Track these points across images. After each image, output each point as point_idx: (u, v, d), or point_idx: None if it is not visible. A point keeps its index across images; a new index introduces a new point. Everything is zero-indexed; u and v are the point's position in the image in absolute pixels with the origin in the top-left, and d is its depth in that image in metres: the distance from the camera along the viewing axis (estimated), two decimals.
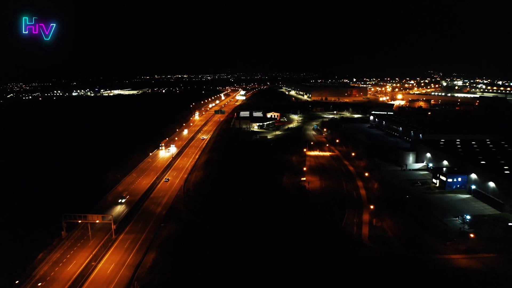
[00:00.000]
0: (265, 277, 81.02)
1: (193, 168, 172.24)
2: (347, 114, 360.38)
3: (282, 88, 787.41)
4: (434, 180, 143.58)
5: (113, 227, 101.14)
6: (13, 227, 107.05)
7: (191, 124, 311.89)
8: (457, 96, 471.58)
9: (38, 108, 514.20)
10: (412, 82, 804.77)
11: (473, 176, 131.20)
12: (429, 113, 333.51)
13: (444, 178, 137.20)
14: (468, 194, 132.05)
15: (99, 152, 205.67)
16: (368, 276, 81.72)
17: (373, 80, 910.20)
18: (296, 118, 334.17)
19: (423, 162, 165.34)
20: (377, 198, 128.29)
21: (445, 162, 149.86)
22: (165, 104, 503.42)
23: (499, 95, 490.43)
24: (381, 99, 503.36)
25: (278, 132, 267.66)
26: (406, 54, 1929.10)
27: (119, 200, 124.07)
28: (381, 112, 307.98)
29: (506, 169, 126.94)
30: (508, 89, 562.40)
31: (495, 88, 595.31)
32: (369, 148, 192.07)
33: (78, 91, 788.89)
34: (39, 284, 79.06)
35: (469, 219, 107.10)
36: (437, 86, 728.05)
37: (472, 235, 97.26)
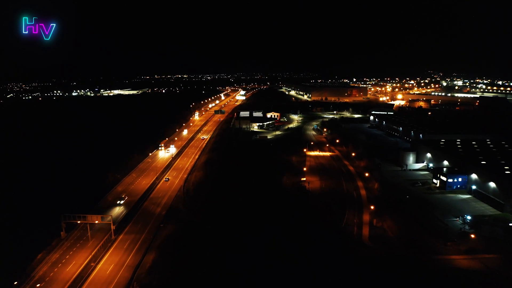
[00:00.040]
0: (265, 277, 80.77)
1: (193, 168, 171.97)
2: (347, 114, 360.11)
3: (282, 88, 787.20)
4: (434, 180, 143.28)
5: (113, 227, 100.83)
6: (13, 227, 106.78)
7: (191, 124, 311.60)
8: (457, 96, 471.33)
9: (38, 108, 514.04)
10: (412, 82, 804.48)
11: (474, 176, 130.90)
12: (429, 113, 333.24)
13: (444, 178, 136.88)
14: (468, 194, 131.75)
15: (99, 152, 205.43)
16: (368, 276, 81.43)
17: (373, 80, 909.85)
18: (296, 118, 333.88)
19: (423, 162, 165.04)
20: (377, 198, 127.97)
21: (446, 162, 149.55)
22: (165, 104, 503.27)
23: (499, 95, 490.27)
24: (381, 99, 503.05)
25: (278, 132, 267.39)
26: (406, 54, 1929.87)
27: (118, 202, 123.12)
28: (381, 112, 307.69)
29: (507, 169, 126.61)
30: (508, 89, 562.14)
31: (495, 88, 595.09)
32: (369, 148, 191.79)
33: (78, 91, 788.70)
34: (38, 285, 78.74)
35: (469, 220, 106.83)
36: (437, 86, 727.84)
37: (472, 236, 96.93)
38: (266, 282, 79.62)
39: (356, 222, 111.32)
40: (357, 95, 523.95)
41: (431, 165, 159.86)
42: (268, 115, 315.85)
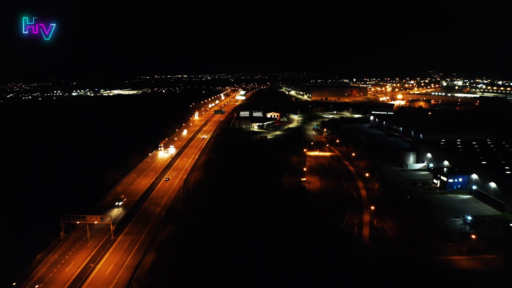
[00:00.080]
0: (265, 277, 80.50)
1: (193, 168, 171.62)
2: (347, 114, 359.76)
3: (282, 88, 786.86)
4: (434, 181, 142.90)
5: (112, 228, 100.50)
6: (12, 227, 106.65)
7: (191, 124, 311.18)
8: (457, 96, 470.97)
9: (38, 108, 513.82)
10: (412, 82, 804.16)
11: (474, 176, 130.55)
12: (429, 113, 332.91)
13: (444, 179, 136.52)
14: (469, 194, 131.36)
15: (98, 152, 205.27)
16: (368, 277, 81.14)
17: (373, 80, 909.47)
18: (296, 118, 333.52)
19: (423, 162, 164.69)
20: (377, 199, 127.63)
21: (446, 162, 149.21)
22: (165, 104, 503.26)
23: (499, 95, 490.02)
24: (381, 99, 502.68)
25: (278, 132, 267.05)
26: (406, 54, 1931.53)
27: (116, 203, 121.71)
28: (381, 112, 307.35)
29: (507, 170, 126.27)
30: (508, 89, 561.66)
31: (495, 88, 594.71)
32: (370, 148, 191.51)
33: (78, 91, 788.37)
34: (37, 286, 78.35)
35: (470, 220, 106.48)
36: (437, 86, 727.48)
37: (473, 236, 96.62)
38: (266, 282, 79.36)
39: (356, 222, 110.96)
40: (357, 95, 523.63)
41: (431, 165, 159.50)
42: (268, 115, 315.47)
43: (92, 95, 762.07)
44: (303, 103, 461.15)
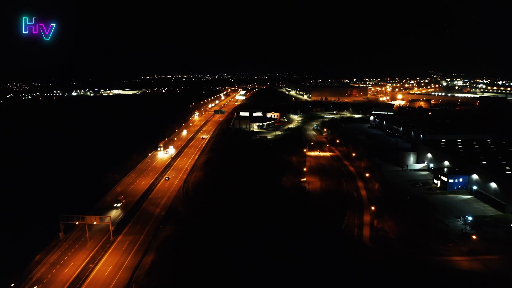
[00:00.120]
0: (265, 277, 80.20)
1: (193, 168, 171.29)
2: (347, 114, 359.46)
3: (282, 88, 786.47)
4: (435, 181, 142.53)
5: (111, 228, 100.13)
6: (11, 228, 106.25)
7: (191, 124, 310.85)
8: (457, 96, 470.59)
9: (38, 108, 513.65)
10: (412, 82, 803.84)
11: (475, 176, 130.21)
12: (430, 113, 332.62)
13: (445, 179, 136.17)
14: (469, 194, 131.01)
15: (98, 152, 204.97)
16: (369, 277, 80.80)
17: (373, 80, 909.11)
18: (296, 118, 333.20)
19: (424, 163, 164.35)
20: (378, 199, 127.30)
21: (446, 163, 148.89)
22: (165, 104, 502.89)
23: (500, 95, 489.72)
24: (381, 99, 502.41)
25: (278, 132, 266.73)
26: (406, 54, 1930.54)
27: (114, 205, 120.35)
28: (381, 112, 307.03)
29: (508, 170, 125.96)
30: (508, 89, 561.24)
31: (495, 88, 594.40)
32: (370, 148, 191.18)
33: (78, 91, 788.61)
34: (36, 287, 78.01)
35: (470, 220, 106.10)
36: (437, 86, 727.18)
37: (474, 237, 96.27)
38: (266, 282, 79.06)
39: (356, 223, 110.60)
40: (357, 95, 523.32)
41: (431, 165, 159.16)
42: (268, 115, 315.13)
43: (92, 95, 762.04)
44: (303, 103, 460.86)
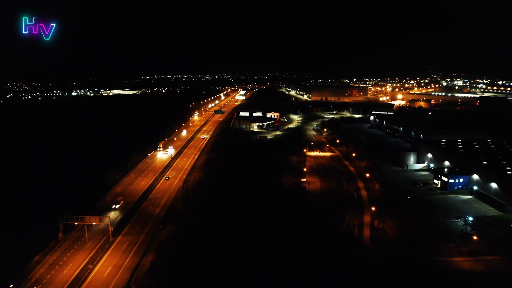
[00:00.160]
0: (265, 278, 79.93)
1: (192, 168, 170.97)
2: (347, 114, 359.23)
3: (282, 88, 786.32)
4: (435, 181, 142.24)
5: (111, 229, 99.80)
6: (10, 228, 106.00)
7: (190, 124, 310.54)
8: (458, 96, 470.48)
9: (38, 108, 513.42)
10: (412, 82, 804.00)
11: (475, 176, 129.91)
12: (430, 113, 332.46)
13: (445, 179, 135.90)
14: (470, 195, 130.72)
15: (98, 152, 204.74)
16: (369, 277, 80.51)
17: (373, 80, 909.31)
18: (296, 118, 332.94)
19: (424, 163, 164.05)
20: (378, 199, 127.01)
21: (447, 163, 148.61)
22: (164, 104, 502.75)
23: (500, 95, 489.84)
24: (381, 99, 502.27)
25: (278, 132, 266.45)
26: (406, 54, 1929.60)
27: (113, 206, 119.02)
28: (381, 112, 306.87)
29: (508, 170, 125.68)
30: (509, 89, 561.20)
31: (495, 88, 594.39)
32: (370, 148, 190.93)
33: (78, 91, 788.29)
34: (35, 287, 77.68)
35: (471, 221, 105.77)
36: (437, 86, 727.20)
37: (474, 237, 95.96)
38: (266, 282, 78.80)
39: (357, 223, 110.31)
40: (357, 95, 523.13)
41: (432, 165, 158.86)
42: (268, 115, 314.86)
43: (92, 95, 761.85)
44: (303, 103, 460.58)
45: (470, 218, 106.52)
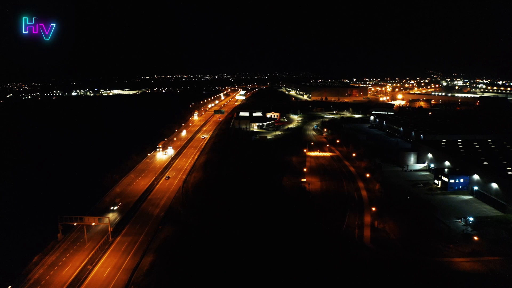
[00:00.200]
0: (265, 279, 79.49)
1: (192, 168, 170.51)
2: (347, 114, 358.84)
3: (282, 88, 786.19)
4: (435, 181, 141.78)
5: (110, 229, 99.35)
6: (9, 228, 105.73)
7: (190, 124, 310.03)
8: (458, 96, 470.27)
9: (38, 108, 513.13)
10: (412, 82, 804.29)
11: (476, 177, 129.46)
12: (430, 113, 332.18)
13: (446, 179, 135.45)
14: (470, 195, 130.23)
15: (97, 152, 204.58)
16: (370, 278, 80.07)
17: (373, 80, 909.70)
18: (296, 118, 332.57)
19: (424, 163, 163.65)
20: (378, 200, 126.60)
21: (447, 163, 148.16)
22: (164, 104, 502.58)
23: (500, 95, 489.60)
24: (381, 99, 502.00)
25: (278, 132, 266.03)
26: (406, 54, 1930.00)
27: (111, 207, 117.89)
28: (381, 112, 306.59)
29: (509, 170, 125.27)
30: (509, 89, 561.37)
31: (495, 88, 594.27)
32: (370, 148, 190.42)
33: (78, 91, 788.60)
34: None
35: (472, 221, 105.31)
36: (437, 86, 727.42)
37: (475, 238, 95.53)
38: (266, 283, 78.38)
39: (357, 223, 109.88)
40: (357, 95, 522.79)
41: (432, 165, 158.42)
42: (268, 115, 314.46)
43: (91, 95, 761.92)
44: (303, 103, 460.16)
45: (471, 219, 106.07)
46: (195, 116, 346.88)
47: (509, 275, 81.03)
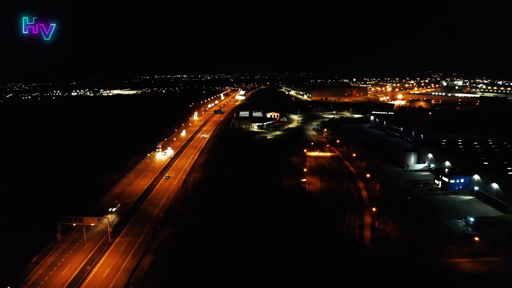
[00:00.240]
0: (265, 279, 79.18)
1: (192, 169, 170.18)
2: (347, 114, 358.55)
3: (282, 88, 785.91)
4: (436, 181, 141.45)
5: (109, 230, 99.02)
6: (8, 229, 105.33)
7: (190, 124, 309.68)
8: (458, 96, 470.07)
9: (37, 108, 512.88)
10: (412, 82, 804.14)
11: (476, 177, 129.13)
12: (430, 113, 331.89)
13: (446, 179, 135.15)
14: (471, 195, 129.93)
15: (97, 152, 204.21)
16: (370, 279, 79.76)
17: (373, 80, 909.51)
18: (296, 118, 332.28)
19: (424, 163, 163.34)
20: (379, 200, 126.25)
21: (447, 163, 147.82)
22: (164, 104, 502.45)
23: (500, 95, 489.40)
24: (381, 99, 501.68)
25: (278, 132, 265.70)
26: (406, 54, 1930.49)
27: (110, 209, 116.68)
28: (381, 112, 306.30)
29: (510, 170, 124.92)
30: (509, 89, 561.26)
31: (495, 88, 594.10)
32: (370, 148, 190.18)
33: (78, 91, 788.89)
34: None
35: (472, 222, 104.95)
36: (437, 86, 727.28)
37: (476, 238, 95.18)
38: (266, 283, 78.06)
39: (357, 224, 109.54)
40: (357, 95, 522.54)
41: (432, 165, 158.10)
42: (268, 115, 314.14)
43: (91, 95, 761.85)
44: (303, 103, 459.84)
45: (471, 219, 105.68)
46: (195, 116, 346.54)
47: (510, 276, 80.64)
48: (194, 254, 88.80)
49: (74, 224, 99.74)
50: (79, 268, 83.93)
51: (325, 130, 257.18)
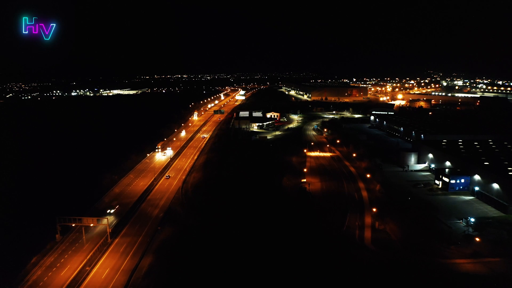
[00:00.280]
0: (265, 279, 78.90)
1: (192, 169, 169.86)
2: (347, 114, 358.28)
3: (282, 88, 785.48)
4: (436, 181, 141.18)
5: (109, 230, 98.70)
6: (7, 229, 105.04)
7: (190, 124, 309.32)
8: (458, 96, 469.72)
9: (37, 108, 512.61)
10: (412, 82, 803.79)
11: (477, 177, 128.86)
12: (430, 113, 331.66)
13: (446, 179, 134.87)
14: (471, 195, 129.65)
15: (96, 152, 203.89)
16: (370, 280, 79.46)
17: (373, 80, 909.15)
18: (296, 118, 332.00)
19: (425, 163, 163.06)
20: (379, 200, 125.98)
21: (448, 163, 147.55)
22: (164, 104, 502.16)
23: (500, 95, 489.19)
24: (381, 99, 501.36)
25: (278, 132, 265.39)
26: (406, 54, 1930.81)
27: (108, 211, 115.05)
28: (381, 112, 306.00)
29: (510, 170, 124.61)
30: (509, 89, 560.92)
31: (495, 88, 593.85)
32: (370, 148, 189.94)
33: (78, 91, 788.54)
34: None
35: (473, 222, 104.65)
36: (437, 86, 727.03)
37: (477, 239, 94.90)
38: (266, 284, 77.76)
39: (358, 224, 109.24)
40: (357, 95, 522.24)
41: (433, 166, 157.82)
42: (268, 115, 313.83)
43: (91, 95, 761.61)
44: (303, 103, 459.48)
45: (472, 219, 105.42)
46: (195, 116, 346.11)
47: (510, 277, 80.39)
48: (194, 254, 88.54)
49: (74, 225, 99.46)
50: (78, 269, 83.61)
51: (325, 130, 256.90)
